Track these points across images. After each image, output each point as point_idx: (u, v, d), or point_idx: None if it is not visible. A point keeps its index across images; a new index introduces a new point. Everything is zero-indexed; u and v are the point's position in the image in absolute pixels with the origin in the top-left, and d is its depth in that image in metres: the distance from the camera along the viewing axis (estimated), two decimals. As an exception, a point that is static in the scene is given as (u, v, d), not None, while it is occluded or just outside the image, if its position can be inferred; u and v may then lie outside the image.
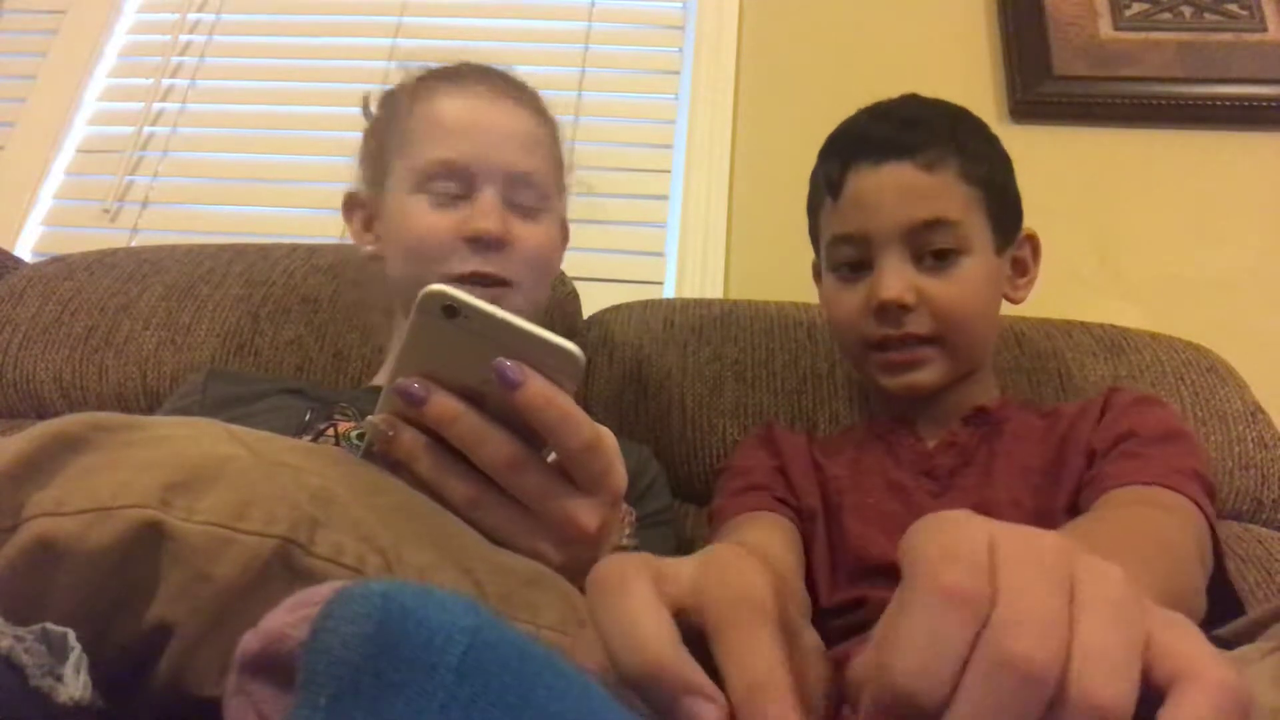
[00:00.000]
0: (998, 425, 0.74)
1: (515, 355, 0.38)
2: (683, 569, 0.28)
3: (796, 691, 0.24)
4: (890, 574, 0.60)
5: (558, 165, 0.80)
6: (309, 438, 0.67)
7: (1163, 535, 0.56)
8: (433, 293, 0.38)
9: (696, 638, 0.26)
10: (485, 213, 0.70)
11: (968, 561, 0.23)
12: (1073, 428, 0.71)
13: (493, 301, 0.39)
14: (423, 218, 0.71)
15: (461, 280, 0.69)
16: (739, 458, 0.81)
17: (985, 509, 0.25)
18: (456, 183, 0.71)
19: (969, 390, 0.77)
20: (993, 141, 0.78)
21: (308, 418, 0.69)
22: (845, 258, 0.76)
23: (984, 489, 0.70)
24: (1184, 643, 0.22)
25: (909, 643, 0.22)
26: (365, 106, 0.86)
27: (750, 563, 0.28)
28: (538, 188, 0.74)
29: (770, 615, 0.26)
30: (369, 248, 0.80)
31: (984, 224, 0.74)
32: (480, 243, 0.70)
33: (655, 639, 0.25)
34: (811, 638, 0.27)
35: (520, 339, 0.38)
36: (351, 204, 0.83)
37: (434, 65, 0.81)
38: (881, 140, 0.74)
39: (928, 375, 0.74)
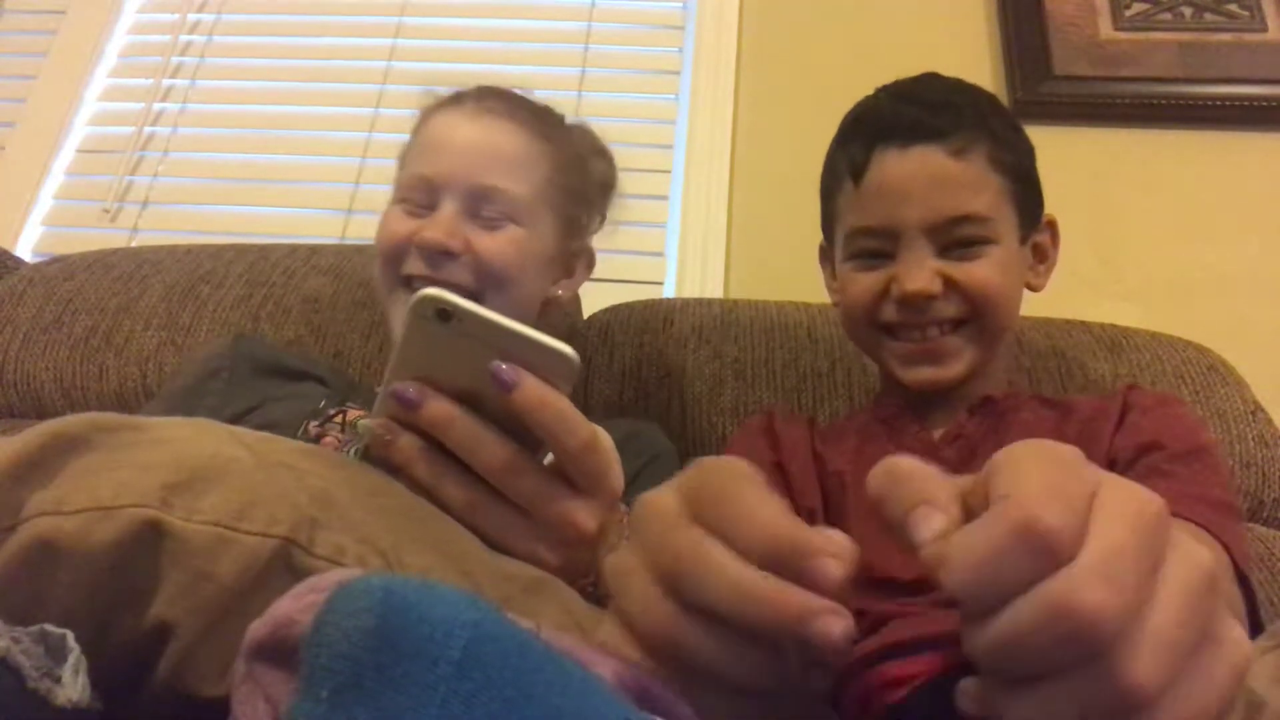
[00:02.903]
0: (1004, 416, 0.72)
1: (510, 358, 0.38)
2: (667, 493, 0.29)
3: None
4: (893, 588, 0.59)
5: (550, 180, 0.79)
6: (316, 423, 0.69)
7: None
8: (427, 297, 0.38)
9: None
10: (434, 223, 0.73)
11: (1065, 505, 0.23)
12: (1089, 429, 0.69)
13: None
14: (388, 223, 0.76)
15: (409, 280, 0.74)
16: (736, 448, 0.79)
17: None
18: (426, 196, 0.75)
19: (980, 380, 0.74)
20: (1018, 127, 0.76)
21: (322, 404, 0.72)
22: (866, 248, 0.73)
23: None
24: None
25: (971, 551, 0.23)
26: None
27: (726, 460, 0.29)
28: (501, 202, 0.75)
29: (757, 479, 0.27)
30: None
31: (1011, 214, 0.72)
32: (427, 252, 0.73)
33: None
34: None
35: (514, 342, 0.38)
36: None
37: (462, 91, 0.83)
38: (910, 123, 0.70)
39: (953, 370, 0.71)
